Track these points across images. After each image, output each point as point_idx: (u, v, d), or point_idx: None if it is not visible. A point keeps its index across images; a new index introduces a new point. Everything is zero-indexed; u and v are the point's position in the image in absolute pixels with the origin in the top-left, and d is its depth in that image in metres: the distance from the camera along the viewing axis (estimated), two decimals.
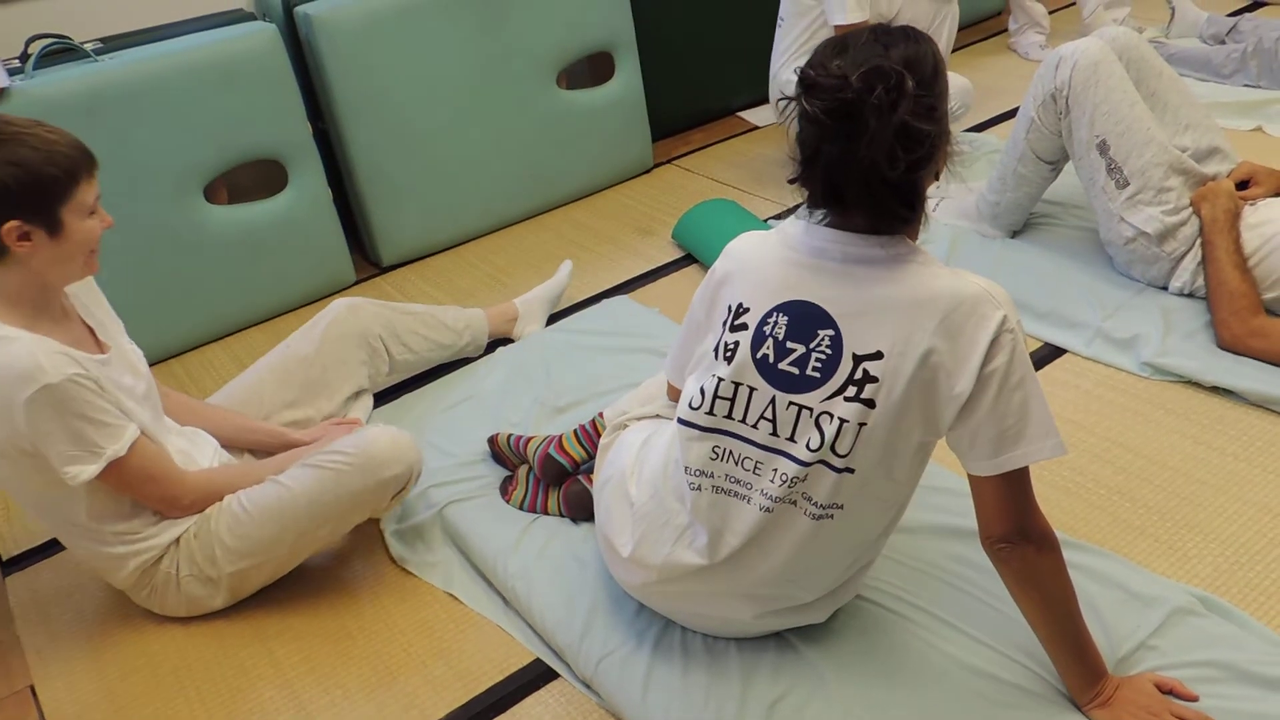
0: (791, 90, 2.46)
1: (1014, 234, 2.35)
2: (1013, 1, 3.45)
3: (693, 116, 3.27)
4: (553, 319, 2.32)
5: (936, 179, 1.18)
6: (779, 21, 2.61)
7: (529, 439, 1.78)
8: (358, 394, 1.98)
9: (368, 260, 2.70)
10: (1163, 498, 1.63)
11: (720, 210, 2.55)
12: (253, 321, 2.47)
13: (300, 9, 2.41)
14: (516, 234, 2.77)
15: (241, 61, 2.26)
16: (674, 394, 1.50)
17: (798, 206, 2.64)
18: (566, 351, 2.15)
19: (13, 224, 1.34)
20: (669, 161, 3.07)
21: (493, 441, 1.84)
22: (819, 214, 1.22)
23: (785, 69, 2.60)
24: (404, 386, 2.11)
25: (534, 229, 2.78)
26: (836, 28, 2.44)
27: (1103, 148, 2.02)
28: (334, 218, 2.52)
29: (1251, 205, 1.98)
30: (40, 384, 1.33)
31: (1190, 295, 2.02)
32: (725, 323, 1.28)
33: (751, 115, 3.29)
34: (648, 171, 3.02)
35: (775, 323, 1.23)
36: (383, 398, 2.07)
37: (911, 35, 1.14)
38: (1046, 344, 2.02)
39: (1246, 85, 2.87)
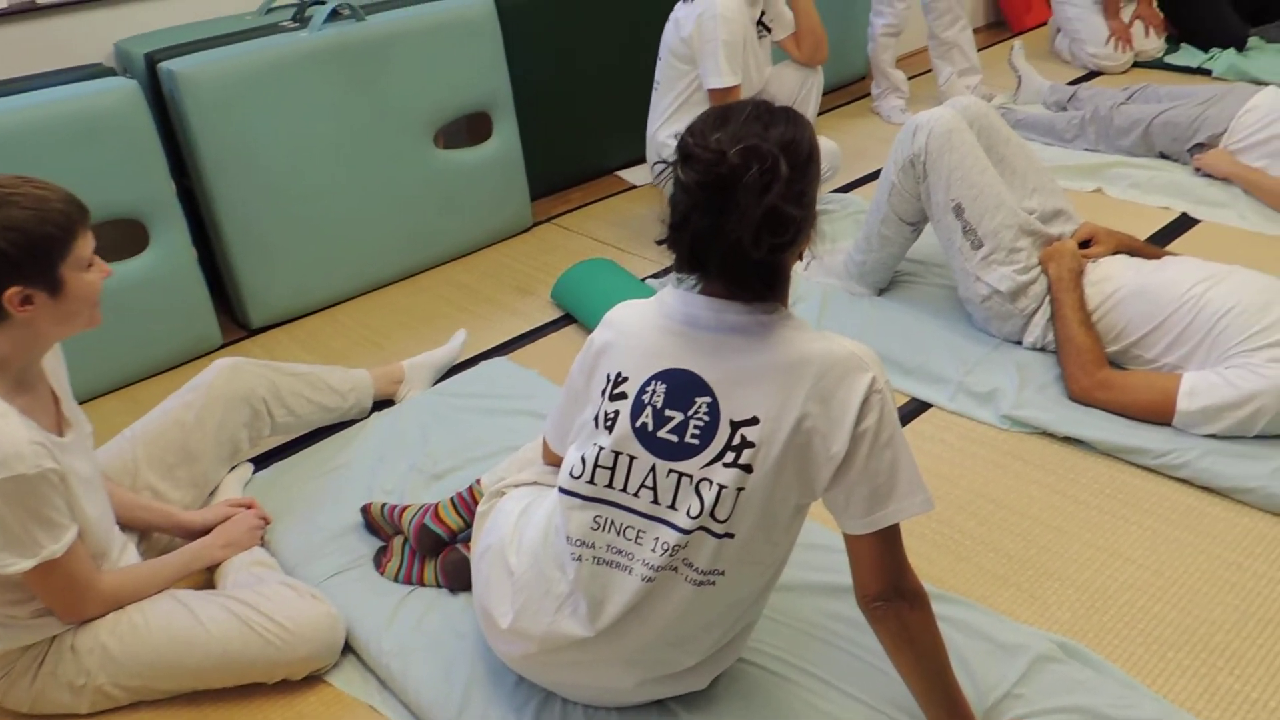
0: (668, 154, 2.51)
1: (880, 291, 2.44)
2: (874, 67, 3.62)
3: (571, 175, 3.30)
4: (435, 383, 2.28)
5: (800, 259, 1.22)
6: (655, 85, 2.67)
7: (404, 508, 1.74)
8: (236, 461, 1.90)
9: (236, 322, 2.60)
10: (1023, 546, 1.70)
11: (599, 270, 2.57)
12: (109, 389, 2.34)
13: (164, 65, 2.34)
14: (392, 294, 2.72)
15: (99, 118, 2.17)
16: (552, 459, 1.50)
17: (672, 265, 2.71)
18: (444, 415, 2.11)
19: (14, 290, 1.27)
20: (548, 220, 3.09)
21: (366, 511, 1.79)
22: (692, 280, 1.25)
23: (662, 130, 2.66)
24: (277, 452, 2.04)
25: (411, 289, 2.75)
26: (711, 92, 2.51)
27: (958, 210, 2.13)
28: (199, 278, 2.43)
29: (1093, 263, 2.11)
30: (14, 473, 1.26)
31: (1042, 349, 2.13)
32: (605, 392, 1.28)
33: (629, 174, 3.35)
34: (526, 230, 3.02)
35: (653, 391, 1.24)
36: (255, 463, 1.99)
37: (791, 118, 1.18)
38: (913, 399, 2.10)
39: (1086, 149, 3.08)
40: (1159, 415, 1.86)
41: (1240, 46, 3.74)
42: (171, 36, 2.51)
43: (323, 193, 2.55)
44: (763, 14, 2.63)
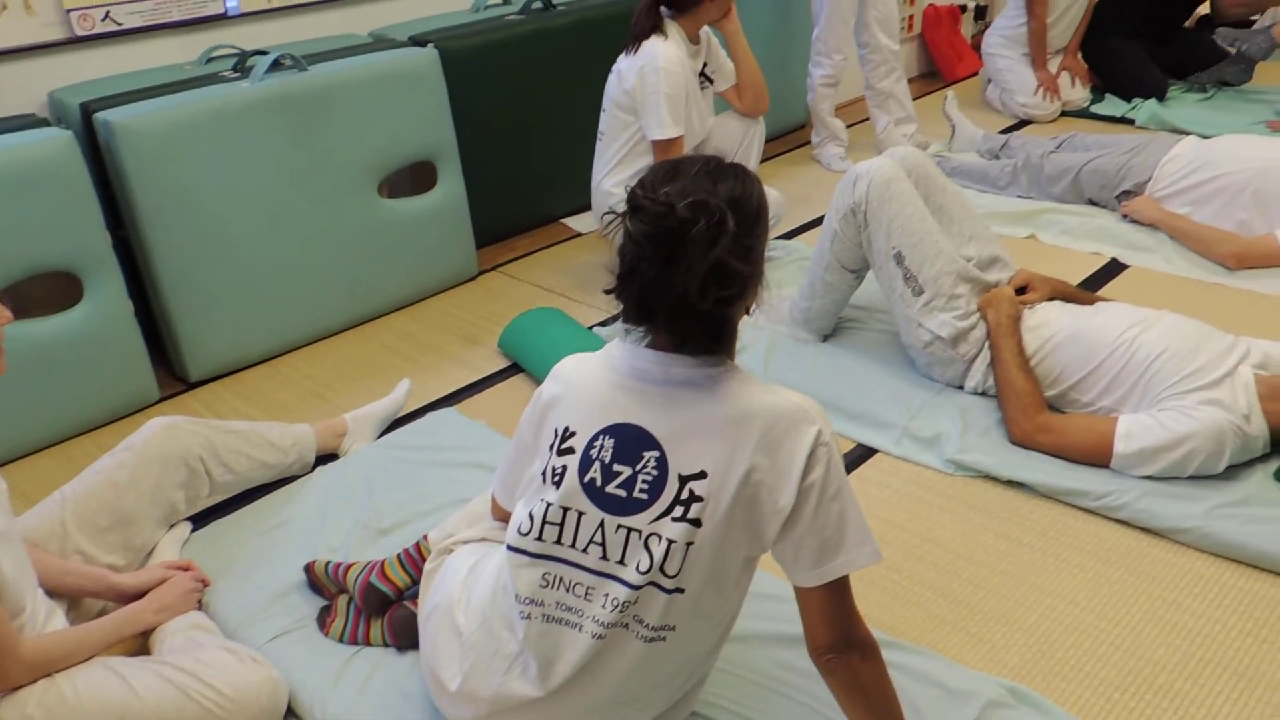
0: (612, 203, 2.53)
1: (825, 337, 2.47)
2: (814, 116, 3.70)
3: (517, 223, 3.31)
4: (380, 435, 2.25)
5: (748, 313, 1.24)
6: (600, 135, 2.69)
7: (349, 566, 1.71)
8: (172, 522, 1.85)
9: (174, 376, 2.55)
10: (971, 591, 1.72)
11: (546, 319, 2.57)
12: (42, 446, 2.27)
13: (100, 115, 2.31)
14: (337, 345, 2.69)
15: (33, 169, 2.13)
16: (500, 514, 1.48)
17: (619, 313, 2.72)
18: (389, 469, 2.08)
19: None
20: (494, 268, 3.08)
21: (309, 569, 1.75)
22: (639, 333, 1.25)
23: (607, 180, 2.68)
24: (216, 509, 1.99)
25: (355, 339, 2.72)
26: (654, 143, 2.54)
27: (899, 258, 2.17)
28: (135, 331, 2.38)
29: (1030, 309, 2.16)
30: None
31: (983, 394, 2.17)
32: (553, 446, 1.28)
33: (575, 222, 3.36)
34: (473, 279, 3.01)
35: (601, 446, 1.24)
36: (195, 520, 1.93)
37: (741, 174, 1.20)
38: (859, 444, 2.12)
39: (1020, 196, 3.17)
40: (1097, 458, 1.90)
41: (1160, 97, 3.89)
42: (108, 86, 2.48)
43: (264, 243, 2.52)
44: (705, 66, 2.67)
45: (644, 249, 1.15)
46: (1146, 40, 3.97)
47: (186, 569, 1.71)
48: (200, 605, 1.69)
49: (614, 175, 2.66)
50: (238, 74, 2.56)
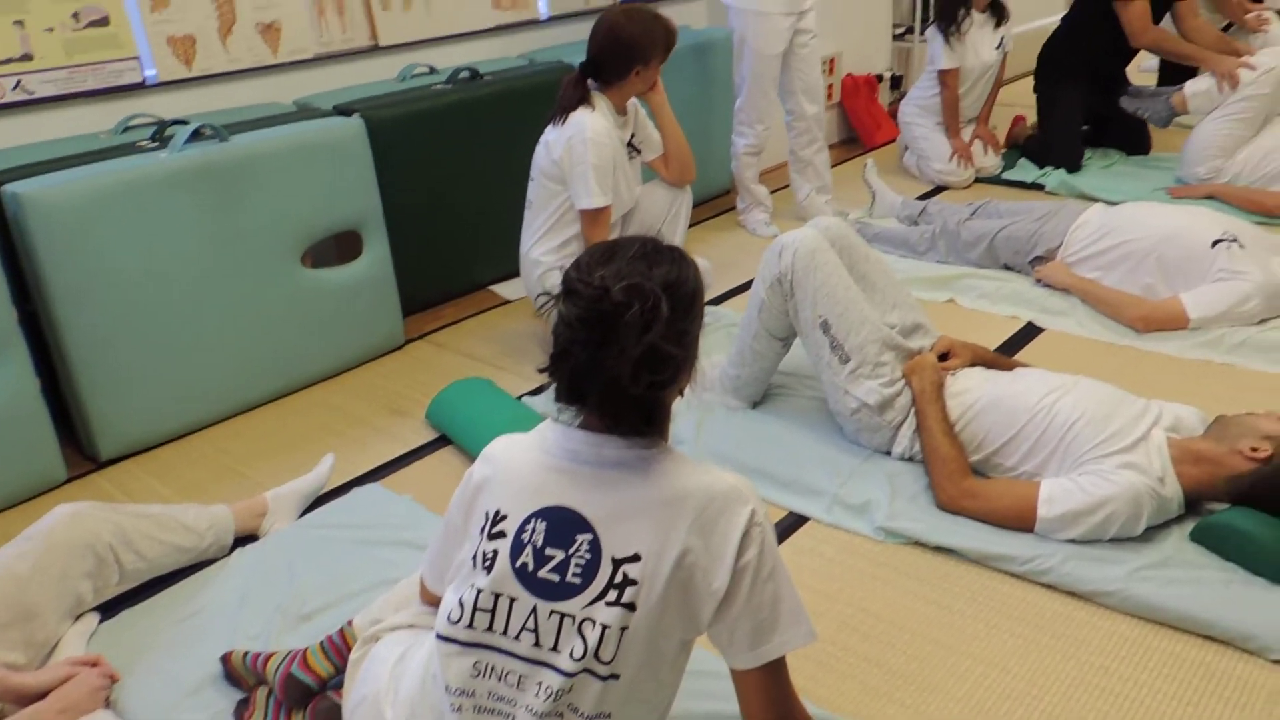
0: (540, 272, 2.52)
1: (755, 405, 2.49)
2: (739, 184, 3.76)
3: (444, 290, 3.28)
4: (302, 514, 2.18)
5: (681, 395, 1.24)
6: (528, 204, 2.70)
7: (268, 656, 1.64)
8: (79, 613, 1.76)
9: (83, 454, 2.44)
10: (905, 661, 1.72)
11: (474, 390, 2.54)
12: None
13: (8, 187, 2.23)
14: (258, 419, 2.61)
15: None
16: (429, 599, 1.44)
17: (551, 383, 2.70)
18: (312, 549, 2.02)
19: None
20: (421, 337, 3.05)
21: (226, 661, 1.68)
22: (572, 412, 1.24)
23: (536, 249, 2.68)
24: (127, 597, 1.89)
25: (277, 413, 2.65)
26: (582, 212, 2.56)
27: (825, 327, 2.20)
28: (42, 408, 2.28)
29: (952, 375, 2.21)
30: None
31: (910, 459, 2.20)
32: (483, 530, 1.25)
33: (503, 289, 3.35)
34: (399, 348, 2.97)
35: (534, 529, 1.21)
36: (103, 610, 1.84)
37: (677, 258, 1.21)
38: (791, 512, 2.13)
39: (939, 261, 3.26)
40: (1022, 522, 1.94)
41: (1071, 170, 4.05)
42: (18, 157, 2.41)
43: (182, 317, 2.45)
44: (632, 136, 2.71)
45: (577, 332, 1.14)
46: (1092, 88, 4.10)
47: (93, 664, 1.62)
48: (108, 703, 1.60)
49: (542, 244, 2.67)
50: (156, 144, 2.52)
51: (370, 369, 2.86)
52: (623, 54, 2.51)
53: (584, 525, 1.20)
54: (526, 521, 1.22)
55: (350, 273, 2.81)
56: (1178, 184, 3.79)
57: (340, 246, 2.91)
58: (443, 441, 2.47)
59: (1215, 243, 2.72)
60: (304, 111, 2.87)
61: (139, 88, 2.75)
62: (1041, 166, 4.13)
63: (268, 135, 2.58)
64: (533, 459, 1.26)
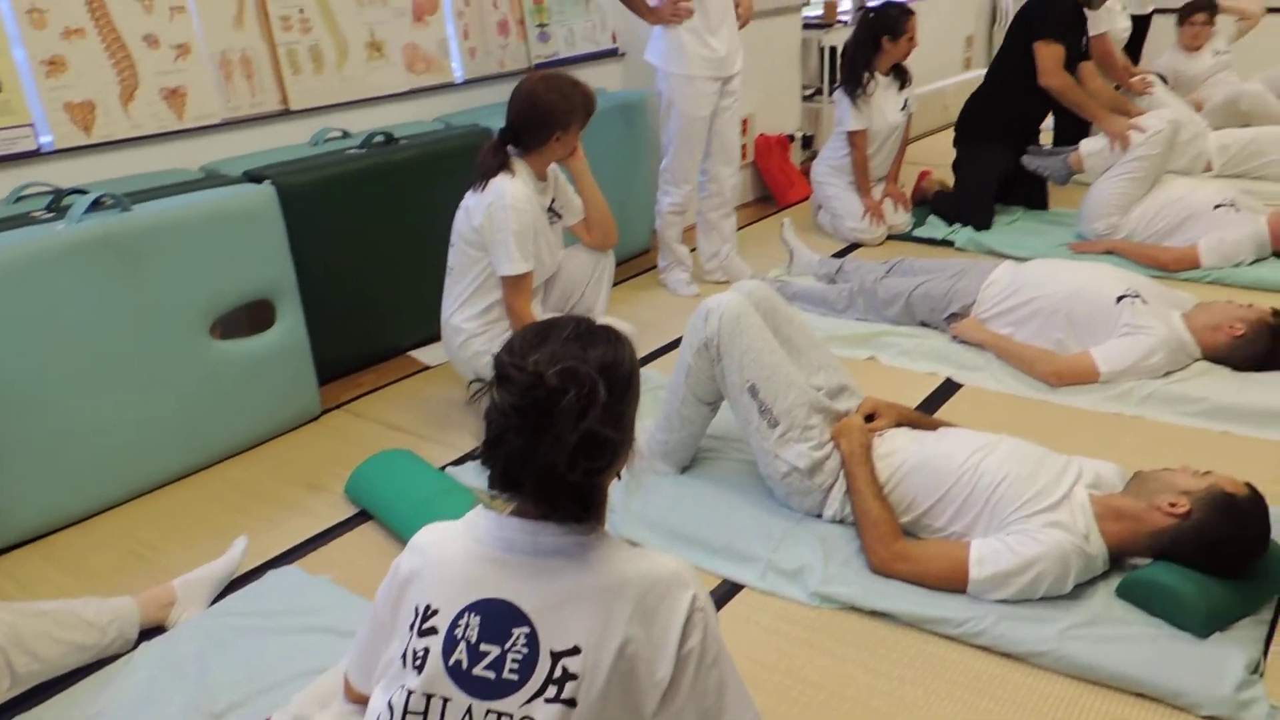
0: (462, 339, 2.47)
1: (684, 469, 2.47)
2: (661, 242, 3.77)
3: (362, 358, 3.20)
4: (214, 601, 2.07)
5: (618, 478, 1.21)
6: (449, 270, 2.65)
7: None
8: None
9: None
10: None
11: (396, 461, 2.46)
12: None
13: None
14: (164, 499, 2.48)
15: None
16: (355, 696, 1.37)
17: (475, 451, 2.64)
18: (224, 640, 1.90)
19: None
20: (338, 407, 2.95)
21: None
22: (504, 498, 1.20)
23: (457, 315, 2.63)
24: (19, 701, 1.75)
25: (185, 492, 2.52)
26: (503, 279, 2.52)
27: (753, 391, 2.20)
28: None
29: (879, 437, 2.22)
30: None
31: (841, 522, 2.20)
32: (413, 626, 1.19)
33: (422, 355, 3.28)
34: (315, 419, 2.87)
35: (467, 624, 1.16)
36: None
37: (612, 338, 1.19)
38: (725, 580, 2.10)
39: (858, 319, 3.31)
40: (954, 584, 1.94)
41: (980, 228, 4.16)
42: None
43: (81, 395, 2.33)
44: (553, 201, 2.70)
45: (511, 419, 1.11)
46: (1008, 147, 4.22)
47: None
48: None
49: (464, 310, 2.62)
50: (52, 214, 2.40)
51: (285, 442, 2.76)
52: (542, 121, 2.50)
53: (520, 618, 1.15)
54: (459, 616, 1.17)
55: (262, 343, 2.71)
56: (1078, 239, 3.94)
57: (252, 315, 2.81)
58: (363, 517, 2.38)
59: (1119, 299, 2.82)
60: (212, 178, 2.79)
61: (33, 155, 2.63)
62: (950, 223, 4.25)
63: (173, 204, 2.49)
64: (464, 549, 1.21)
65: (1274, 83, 5.26)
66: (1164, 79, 5.03)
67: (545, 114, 2.49)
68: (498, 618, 1.16)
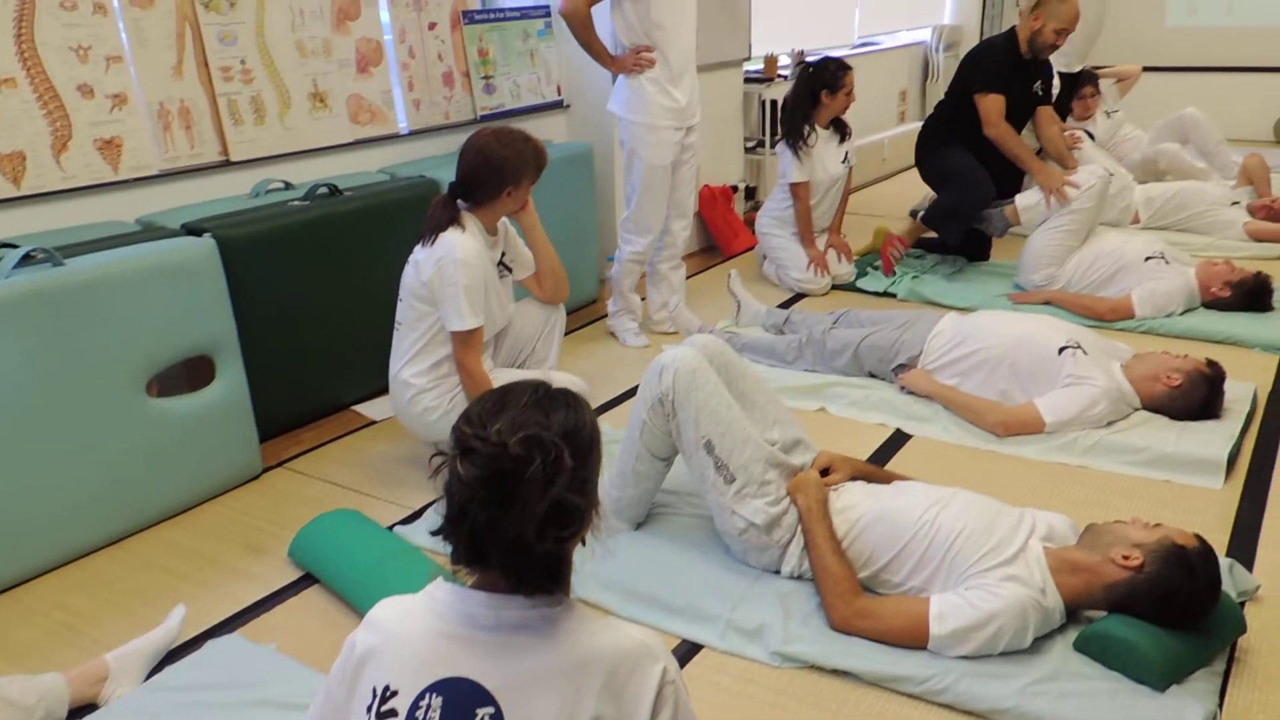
0: (411, 394, 2.41)
1: (638, 525, 2.43)
2: (615, 289, 3.72)
3: (304, 413, 3.11)
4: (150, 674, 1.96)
5: (583, 543, 1.17)
6: (397, 325, 2.60)
7: None
8: None
9: None
10: None
11: (341, 522, 2.38)
12: None
13: None
14: (96, 566, 2.37)
15: None
16: None
17: (425, 509, 2.58)
18: (162, 716, 1.81)
19: None
20: (279, 465, 2.86)
21: None
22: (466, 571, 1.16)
23: (406, 370, 2.58)
24: None
25: (119, 557, 2.41)
26: (453, 334, 2.48)
27: (709, 447, 2.18)
28: None
29: (835, 491, 2.22)
30: None
31: (800, 578, 2.18)
32: (370, 708, 1.14)
33: (368, 409, 3.20)
34: (255, 478, 2.78)
35: (429, 705, 1.11)
36: None
37: (572, 402, 1.16)
38: (684, 640, 2.06)
39: (806, 370, 3.33)
40: (915, 640, 1.93)
41: (987, 198, 4.08)
42: None
43: (8, 457, 2.22)
44: (503, 255, 2.67)
45: (475, 491, 1.07)
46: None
47: None
48: None
49: (413, 365, 2.57)
50: None
51: (224, 503, 2.66)
52: (493, 176, 2.48)
53: (485, 697, 1.11)
54: (420, 697, 1.12)
55: (201, 400, 2.63)
56: (1017, 290, 4.03)
57: (190, 371, 2.73)
58: (308, 581, 2.30)
59: (1061, 350, 2.88)
60: (149, 231, 2.72)
61: None
62: (952, 224, 4.21)
63: (108, 258, 2.41)
64: (424, 625, 1.16)
65: (1173, 131, 5.47)
66: (1091, 135, 5.22)
67: (497, 169, 2.48)
68: (461, 698, 1.11)
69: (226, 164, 3.13)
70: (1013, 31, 4.13)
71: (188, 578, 2.32)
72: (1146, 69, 5.90)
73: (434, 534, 1.13)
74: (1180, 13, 7.63)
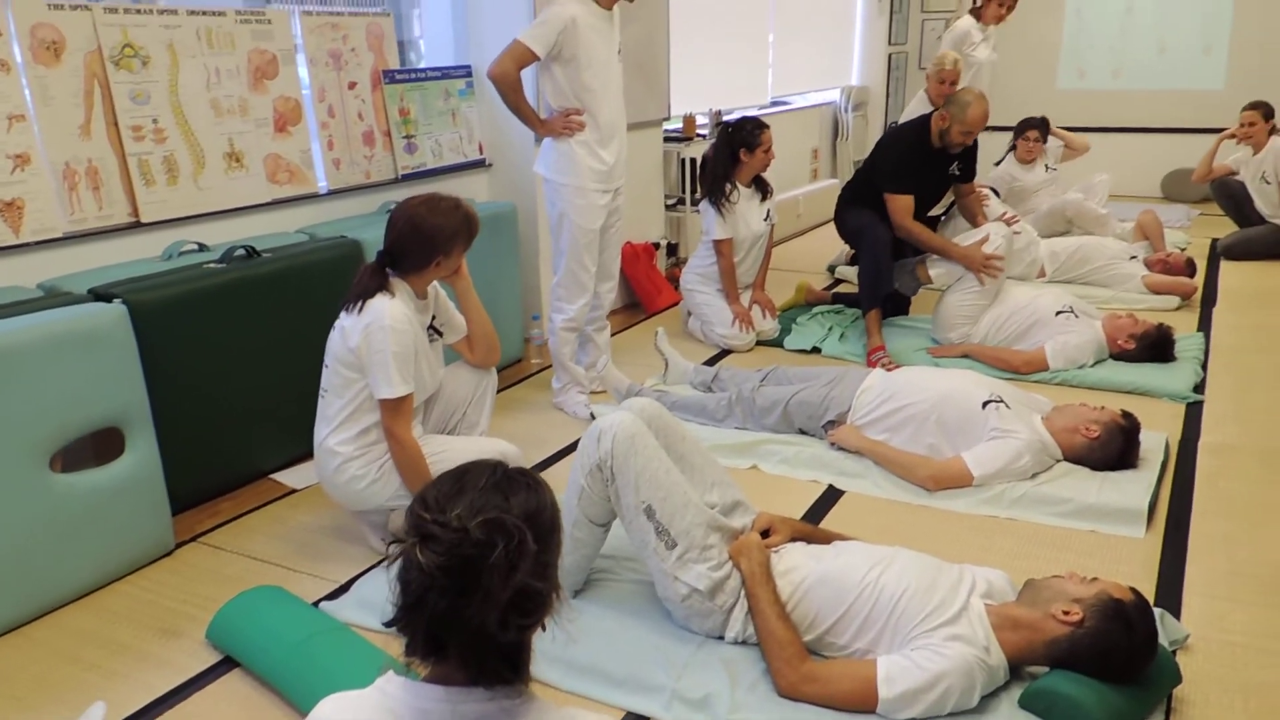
0: (337, 462, 2.33)
1: (576, 593, 2.37)
2: (555, 361, 3.63)
3: (221, 483, 2.97)
4: None
5: (543, 629, 1.13)
6: (322, 392, 2.51)
7: None
8: None
9: None
10: None
11: (263, 600, 2.27)
12: None
13: None
14: None
15: None
16: None
17: (351, 582, 2.47)
18: None
19: None
20: (194, 539, 2.72)
21: None
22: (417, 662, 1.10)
23: (332, 438, 2.48)
24: None
25: (20, 646, 2.24)
26: (382, 402, 2.41)
27: (649, 512, 2.15)
28: None
29: (777, 553, 2.20)
30: None
31: (744, 643, 2.15)
32: None
33: (288, 477, 3.08)
34: (168, 554, 2.63)
35: None
36: None
37: (531, 483, 1.12)
38: (628, 713, 2.01)
39: (737, 428, 3.33)
40: (864, 704, 1.91)
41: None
42: None
43: None
44: (434, 318, 2.61)
45: (434, 579, 1.02)
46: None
47: None
48: None
49: (339, 433, 2.48)
50: None
51: (134, 583, 2.51)
52: (424, 245, 2.43)
53: None
54: None
55: (109, 474, 2.49)
56: (935, 344, 4.12)
57: (98, 443, 2.58)
58: (229, 664, 2.17)
59: (985, 404, 2.94)
60: (52, 296, 2.59)
61: None
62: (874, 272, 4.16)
63: (8, 326, 2.29)
64: None
65: (1090, 191, 5.78)
66: (996, 191, 5.43)
67: (427, 238, 2.42)
68: None
69: (137, 225, 3.01)
70: (925, 123, 4.11)
71: (96, 667, 2.17)
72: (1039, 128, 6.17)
73: (387, 625, 1.07)
74: (1071, 76, 8.06)
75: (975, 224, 4.31)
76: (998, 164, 5.94)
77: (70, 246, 2.86)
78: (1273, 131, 5.57)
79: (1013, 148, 5.83)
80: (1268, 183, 5.56)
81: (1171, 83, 7.74)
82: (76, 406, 2.38)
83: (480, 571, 1.01)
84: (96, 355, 2.42)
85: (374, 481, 2.49)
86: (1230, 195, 5.84)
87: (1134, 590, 1.95)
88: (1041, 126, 5.75)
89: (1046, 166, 5.84)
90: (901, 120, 5.14)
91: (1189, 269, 4.90)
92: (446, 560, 1.01)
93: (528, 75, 3.30)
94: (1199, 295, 4.86)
